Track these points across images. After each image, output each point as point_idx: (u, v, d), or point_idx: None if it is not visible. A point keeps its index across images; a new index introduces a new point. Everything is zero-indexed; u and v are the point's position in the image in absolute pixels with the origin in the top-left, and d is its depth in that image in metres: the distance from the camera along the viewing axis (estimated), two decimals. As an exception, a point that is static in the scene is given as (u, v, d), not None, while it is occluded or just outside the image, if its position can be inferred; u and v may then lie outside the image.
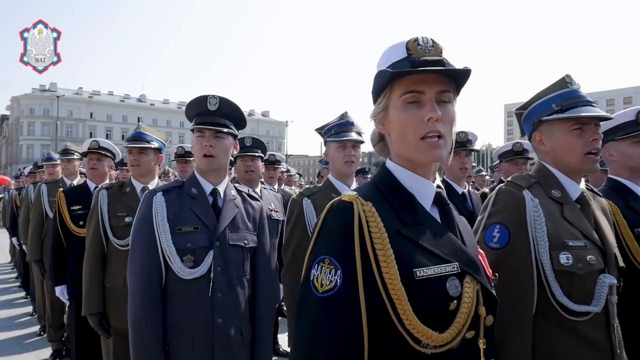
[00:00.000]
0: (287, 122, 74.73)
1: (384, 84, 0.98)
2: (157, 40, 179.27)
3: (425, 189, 1.00)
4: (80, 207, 3.31)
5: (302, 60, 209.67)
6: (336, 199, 0.95)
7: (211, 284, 1.72)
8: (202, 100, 1.81)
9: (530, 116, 1.52)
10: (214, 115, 1.80)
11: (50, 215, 4.15)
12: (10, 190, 7.78)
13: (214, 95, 1.82)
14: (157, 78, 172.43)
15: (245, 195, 1.96)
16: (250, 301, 1.85)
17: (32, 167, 6.35)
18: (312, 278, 0.90)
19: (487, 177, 6.99)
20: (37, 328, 5.02)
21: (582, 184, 1.48)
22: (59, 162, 5.13)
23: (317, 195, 2.26)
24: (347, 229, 0.89)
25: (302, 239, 2.17)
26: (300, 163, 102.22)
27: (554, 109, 1.43)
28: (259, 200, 2.01)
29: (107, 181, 3.50)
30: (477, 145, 2.94)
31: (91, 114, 71.44)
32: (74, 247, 3.29)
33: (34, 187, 5.09)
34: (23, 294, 6.65)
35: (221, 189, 1.85)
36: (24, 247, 5.79)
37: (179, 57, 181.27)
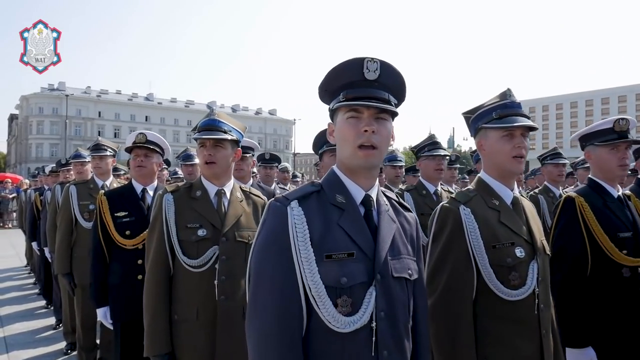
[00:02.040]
0: (294, 120, 74.71)
1: None
2: (165, 39, 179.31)
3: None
4: (126, 213, 2.76)
5: (309, 58, 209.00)
6: None
7: (374, 338, 1.16)
8: (355, 66, 1.23)
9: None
10: (372, 87, 1.22)
11: (81, 221, 3.61)
12: (28, 190, 7.24)
13: (372, 59, 1.24)
14: (165, 77, 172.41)
15: (396, 204, 1.39)
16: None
17: (55, 165, 5.79)
18: None
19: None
20: (63, 345, 4.50)
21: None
22: (88, 159, 4.60)
23: (475, 201, 1.67)
24: None
25: (460, 261, 1.60)
26: (307, 161, 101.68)
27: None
28: (411, 211, 1.44)
29: (156, 182, 2.95)
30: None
31: (99, 112, 71.68)
32: (118, 262, 2.75)
33: (61, 188, 4.56)
34: (43, 302, 6.13)
35: (373, 195, 1.29)
36: (46, 252, 5.29)
37: (187, 55, 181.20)
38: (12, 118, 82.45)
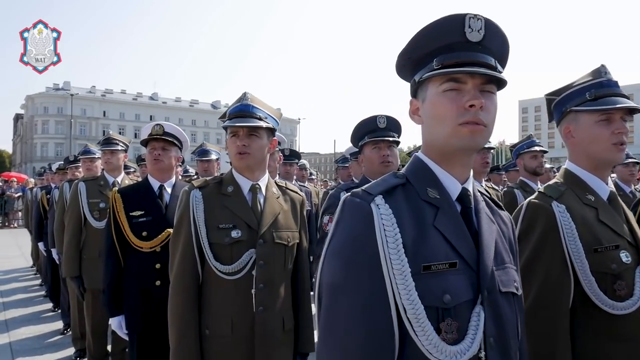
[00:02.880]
0: (299, 119, 74.34)
1: None
2: (170, 39, 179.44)
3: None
4: (142, 212, 2.50)
5: (314, 58, 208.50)
6: None
7: (481, 370, 0.89)
8: (454, 24, 0.95)
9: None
10: (475, 50, 0.95)
11: (91, 220, 3.36)
12: (34, 189, 7.00)
13: (476, 15, 0.96)
14: (170, 76, 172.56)
15: (492, 204, 1.12)
16: None
17: (62, 162, 5.55)
18: None
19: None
20: (71, 351, 4.25)
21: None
22: (97, 155, 4.35)
23: (568, 196, 1.41)
24: None
25: (554, 268, 1.33)
26: (312, 161, 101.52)
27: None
28: (504, 209, 1.17)
29: (174, 178, 2.69)
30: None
31: (104, 112, 71.82)
32: (134, 266, 2.49)
33: (69, 186, 4.32)
34: (50, 305, 5.90)
35: (470, 188, 1.02)
36: (53, 253, 5.05)
37: (191, 55, 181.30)
38: (18, 118, 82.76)
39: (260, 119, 1.77)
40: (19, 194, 17.10)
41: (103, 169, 3.59)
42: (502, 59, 1.01)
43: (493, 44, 0.97)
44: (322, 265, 0.95)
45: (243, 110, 1.77)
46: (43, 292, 6.59)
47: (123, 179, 3.52)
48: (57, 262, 4.98)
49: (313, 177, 7.81)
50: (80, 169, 5.09)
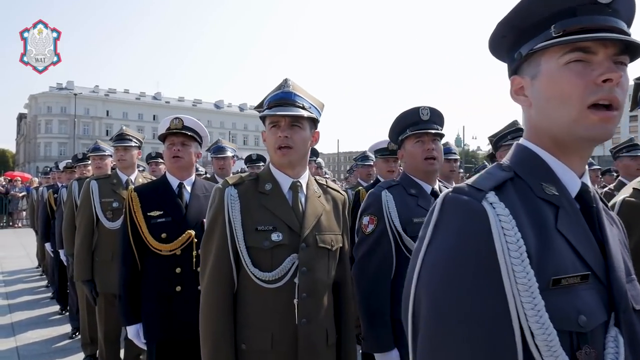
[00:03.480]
0: (302, 119, 74.02)
1: None
2: (173, 39, 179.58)
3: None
4: (160, 212, 2.33)
5: (317, 58, 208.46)
6: None
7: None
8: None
9: None
10: (605, 14, 0.76)
11: (104, 220, 3.19)
12: (40, 188, 6.84)
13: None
14: (173, 76, 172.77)
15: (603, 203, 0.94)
16: None
17: (70, 160, 5.38)
18: None
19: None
20: (81, 357, 4.08)
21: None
22: (108, 153, 4.19)
23: None
24: None
25: None
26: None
27: None
28: (610, 210, 0.99)
29: (194, 176, 2.52)
30: None
31: (107, 111, 72.04)
32: (153, 271, 2.32)
33: (78, 185, 4.15)
34: (57, 307, 5.74)
35: (589, 183, 0.84)
36: (61, 255, 4.89)
37: (194, 55, 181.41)
38: (21, 117, 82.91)
39: (303, 108, 1.59)
40: (23, 194, 16.98)
41: (115, 167, 3.41)
42: (629, 25, 0.82)
43: (623, 5, 0.78)
44: (417, 276, 0.77)
45: (285, 98, 1.59)
46: (49, 294, 6.44)
47: (137, 177, 3.35)
48: (65, 263, 4.83)
49: (327, 176, 7.63)
50: (89, 167, 4.95)
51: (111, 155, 4.27)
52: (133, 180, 3.31)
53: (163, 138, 2.46)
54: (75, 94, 56.52)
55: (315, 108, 1.65)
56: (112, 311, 3.21)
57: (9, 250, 10.77)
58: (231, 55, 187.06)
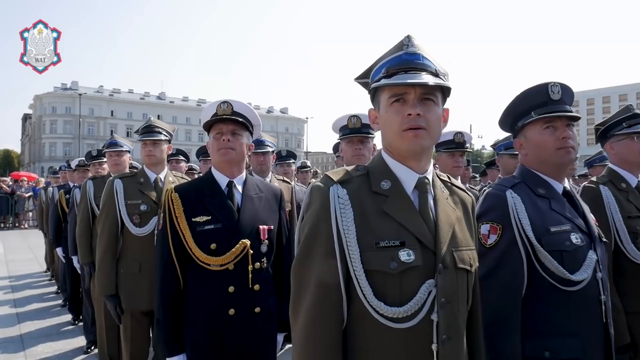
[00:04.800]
0: (306, 118, 73.78)
1: None
2: (177, 39, 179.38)
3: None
4: (208, 217, 1.89)
5: (321, 57, 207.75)
6: None
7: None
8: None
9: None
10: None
11: (130, 226, 2.73)
12: (50, 189, 6.42)
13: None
14: (177, 76, 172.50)
15: None
16: None
17: (84, 157, 4.94)
18: None
19: None
20: (98, 375, 3.67)
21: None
22: (126, 148, 3.76)
23: None
24: None
25: None
26: (319, 160, 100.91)
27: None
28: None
29: (244, 173, 2.08)
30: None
31: (112, 111, 71.94)
32: (200, 290, 1.88)
33: (94, 184, 3.73)
34: (69, 316, 5.32)
35: None
36: (74, 262, 4.47)
37: (198, 55, 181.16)
38: (26, 118, 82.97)
39: (436, 75, 1.15)
40: (29, 194, 16.63)
41: (142, 165, 2.97)
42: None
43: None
44: None
45: (411, 61, 1.14)
46: (60, 302, 6.03)
47: (167, 176, 2.91)
48: (79, 271, 4.41)
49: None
50: (104, 165, 4.52)
51: (129, 151, 3.85)
52: (163, 179, 2.88)
53: (208, 127, 2.03)
54: (80, 94, 56.44)
55: (447, 76, 1.20)
56: (139, 330, 2.78)
57: (16, 253, 10.37)
58: (235, 54, 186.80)
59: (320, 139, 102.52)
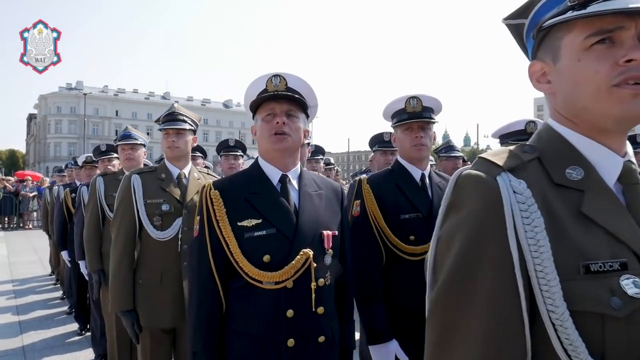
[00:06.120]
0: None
1: None
2: (181, 39, 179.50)
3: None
4: (259, 221, 1.47)
5: (323, 57, 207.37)
6: None
7: None
8: None
9: None
10: None
11: (150, 229, 2.30)
12: (54, 187, 6.02)
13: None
14: (181, 76, 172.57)
15: None
16: None
17: (91, 153, 4.52)
18: None
19: None
20: (109, 396, 3.26)
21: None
22: (141, 141, 3.36)
23: None
24: None
25: None
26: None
27: None
28: None
29: (298, 165, 1.65)
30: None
31: (117, 111, 71.89)
32: (249, 312, 1.46)
33: (103, 181, 3.32)
34: (75, 325, 4.91)
35: None
36: (81, 267, 4.07)
37: (203, 55, 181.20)
38: (31, 118, 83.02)
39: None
40: (34, 194, 16.28)
41: (162, 158, 2.55)
42: None
43: None
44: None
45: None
46: (66, 308, 5.63)
47: (191, 172, 2.49)
48: (86, 278, 4.01)
49: (339, 174, 7.28)
50: (114, 162, 4.12)
51: (144, 145, 3.45)
52: (187, 175, 2.46)
53: (255, 107, 1.61)
54: (85, 94, 56.20)
55: None
56: (160, 351, 2.36)
57: (20, 255, 10.01)
58: (239, 54, 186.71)
59: (325, 139, 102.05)
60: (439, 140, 3.85)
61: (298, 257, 1.44)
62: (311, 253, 1.46)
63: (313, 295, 1.47)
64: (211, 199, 1.51)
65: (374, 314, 1.87)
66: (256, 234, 1.46)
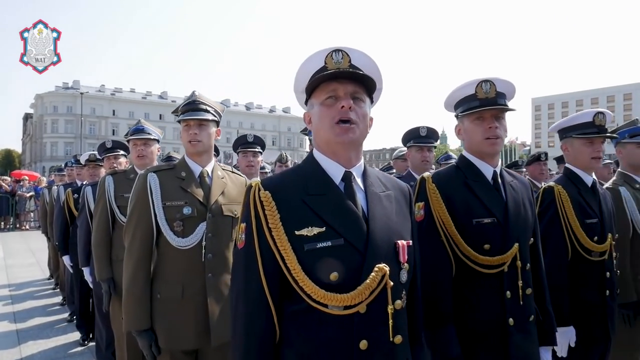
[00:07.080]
0: (309, 118, 72.92)
1: None
2: (179, 38, 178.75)
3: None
4: (322, 230, 1.18)
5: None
6: None
7: None
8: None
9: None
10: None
11: (170, 236, 1.99)
12: (55, 187, 5.69)
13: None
14: (179, 75, 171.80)
15: None
16: None
17: (96, 151, 4.19)
18: None
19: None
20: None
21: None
22: (154, 136, 3.06)
23: None
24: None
25: None
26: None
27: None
28: None
29: (362, 160, 1.36)
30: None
31: (113, 111, 71.45)
32: (310, 346, 1.17)
33: (113, 180, 3.01)
34: (77, 334, 4.60)
35: None
36: (85, 274, 3.77)
37: (200, 54, 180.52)
38: (27, 117, 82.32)
39: None
40: (30, 194, 15.92)
41: (184, 155, 2.25)
42: None
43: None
44: None
45: None
46: (66, 315, 5.32)
47: (214, 169, 2.19)
48: (91, 286, 3.70)
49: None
50: (121, 160, 3.81)
51: (158, 140, 3.16)
52: (210, 173, 2.16)
53: (311, 89, 1.32)
54: (82, 93, 55.76)
55: None
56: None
57: (17, 257, 9.66)
58: (238, 54, 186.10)
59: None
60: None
61: (373, 274, 1.16)
62: (387, 269, 1.18)
63: (390, 321, 1.18)
64: (262, 202, 1.22)
65: (448, 338, 1.57)
66: (319, 245, 1.17)
